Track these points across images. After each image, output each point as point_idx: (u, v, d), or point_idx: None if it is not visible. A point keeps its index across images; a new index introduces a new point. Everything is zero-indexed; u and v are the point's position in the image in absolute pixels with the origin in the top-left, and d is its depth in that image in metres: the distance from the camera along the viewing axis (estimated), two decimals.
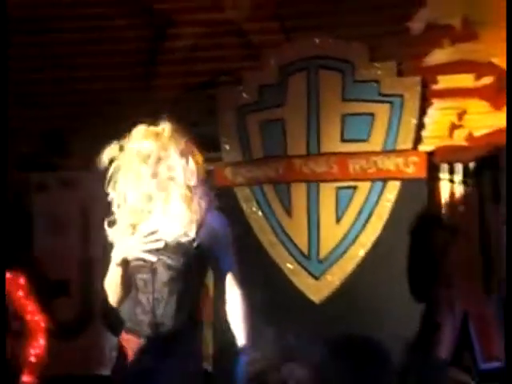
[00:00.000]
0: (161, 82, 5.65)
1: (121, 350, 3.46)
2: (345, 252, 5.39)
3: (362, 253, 5.34)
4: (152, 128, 3.39)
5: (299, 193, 5.52)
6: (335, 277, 5.45)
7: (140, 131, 3.36)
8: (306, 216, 5.42)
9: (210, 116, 5.60)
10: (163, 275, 3.28)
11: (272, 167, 5.48)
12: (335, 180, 5.48)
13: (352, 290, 5.42)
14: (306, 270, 5.42)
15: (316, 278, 5.40)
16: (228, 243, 3.58)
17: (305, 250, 5.46)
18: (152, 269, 3.30)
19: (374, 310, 5.31)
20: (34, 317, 5.52)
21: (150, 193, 3.29)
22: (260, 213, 5.57)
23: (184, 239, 3.28)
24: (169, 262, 3.28)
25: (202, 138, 5.83)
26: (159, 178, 3.28)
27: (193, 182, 3.34)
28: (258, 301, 5.57)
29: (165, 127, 3.39)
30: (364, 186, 5.41)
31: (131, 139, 3.34)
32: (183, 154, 3.36)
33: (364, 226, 5.34)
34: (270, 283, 5.48)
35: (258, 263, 5.52)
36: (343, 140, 5.38)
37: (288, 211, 5.45)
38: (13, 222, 5.62)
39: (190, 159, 3.38)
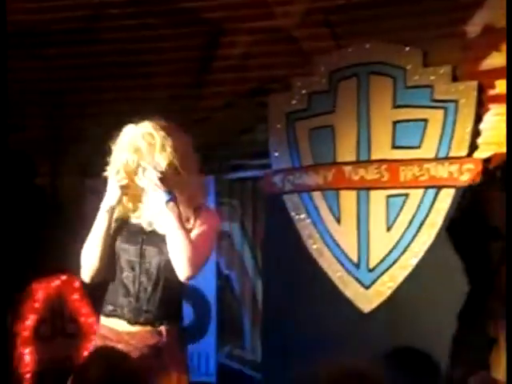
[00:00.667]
0: (213, 90, 4.37)
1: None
2: (396, 261, 4.24)
3: (413, 262, 4.17)
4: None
5: (349, 200, 4.45)
6: (385, 286, 4.38)
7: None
8: (355, 224, 4.31)
9: (260, 123, 4.30)
10: (152, 260, 2.66)
11: (321, 174, 4.34)
12: (386, 187, 4.35)
13: (402, 299, 4.30)
14: (355, 278, 4.25)
15: (366, 287, 4.14)
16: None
17: (354, 258, 4.39)
18: (141, 252, 2.68)
19: (424, 320, 4.18)
20: (88, 319, 4.63)
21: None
22: (308, 220, 4.51)
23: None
24: (159, 248, 2.66)
25: (252, 145, 4.63)
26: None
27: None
28: (306, 310, 4.30)
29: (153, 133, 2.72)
30: (416, 194, 4.30)
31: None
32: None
33: (416, 234, 4.20)
34: (318, 292, 4.44)
35: (307, 271, 4.47)
36: (394, 147, 4.21)
37: (337, 219, 4.23)
38: (67, 223, 4.66)
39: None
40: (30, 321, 4.39)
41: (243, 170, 4.70)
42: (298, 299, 4.38)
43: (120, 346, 2.55)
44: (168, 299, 2.65)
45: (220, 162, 4.67)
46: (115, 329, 2.66)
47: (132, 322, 2.62)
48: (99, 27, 4.79)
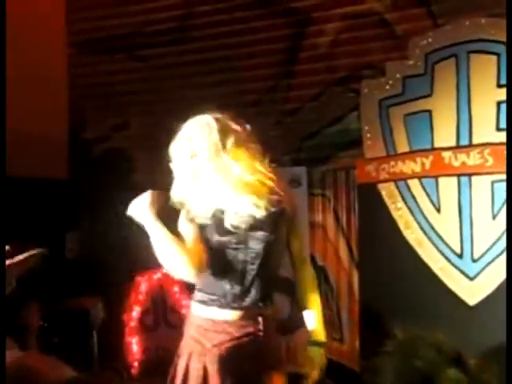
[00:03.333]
0: (302, 80, 3.35)
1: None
2: (502, 251, 2.93)
3: None
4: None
5: (449, 188, 3.41)
6: (491, 278, 3.33)
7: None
8: (457, 212, 3.24)
9: (352, 111, 3.23)
10: (255, 247, 2.08)
11: (418, 161, 3.30)
12: (490, 173, 3.25)
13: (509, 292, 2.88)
14: (458, 269, 3.21)
15: (470, 279, 3.05)
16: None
17: (457, 248, 3.37)
18: (244, 240, 2.08)
19: None
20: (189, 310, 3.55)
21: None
22: (406, 209, 3.49)
23: (271, 213, 2.06)
24: (259, 235, 2.07)
25: (344, 134, 3.61)
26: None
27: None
28: (406, 302, 3.23)
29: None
30: None
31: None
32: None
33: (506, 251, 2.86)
34: (418, 284, 3.40)
35: (405, 263, 3.45)
36: (499, 129, 3.07)
37: (437, 207, 3.12)
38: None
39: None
40: (136, 312, 3.84)
41: (336, 160, 3.68)
42: (397, 291, 3.33)
43: (216, 335, 2.06)
44: (269, 285, 2.14)
45: (312, 152, 3.67)
46: (212, 318, 2.10)
47: (236, 308, 2.10)
48: (191, 25, 3.90)
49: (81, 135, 4.38)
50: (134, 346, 3.81)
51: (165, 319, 3.92)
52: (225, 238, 2.11)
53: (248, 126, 2.04)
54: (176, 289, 3.90)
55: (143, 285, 3.88)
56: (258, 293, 2.11)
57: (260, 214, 2.11)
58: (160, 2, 4.01)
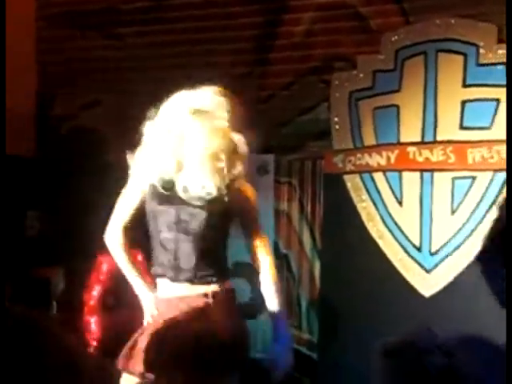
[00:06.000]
0: (274, 68, 3.44)
1: None
2: (459, 245, 3.14)
3: (478, 247, 2.96)
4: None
5: (412, 182, 3.59)
6: (448, 271, 3.34)
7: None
8: (418, 206, 3.36)
9: (323, 102, 3.36)
10: (192, 218, 2.21)
11: (384, 155, 3.36)
12: (452, 170, 3.43)
13: (465, 285, 3.41)
14: (416, 262, 3.24)
15: (427, 271, 3.18)
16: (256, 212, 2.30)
17: (416, 241, 3.45)
18: (177, 213, 2.21)
19: (486, 308, 3.27)
20: None
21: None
22: (369, 201, 3.66)
23: (212, 195, 2.18)
24: (197, 208, 2.20)
25: (313, 124, 3.73)
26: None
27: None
28: (365, 292, 3.39)
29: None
30: (484, 177, 3.42)
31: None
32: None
33: (482, 219, 3.09)
34: (377, 275, 3.58)
35: (366, 253, 3.61)
36: (462, 127, 3.20)
37: (399, 201, 3.27)
38: None
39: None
40: (96, 292, 3.91)
41: (303, 150, 3.80)
42: (357, 281, 3.48)
43: (171, 311, 2.21)
44: (209, 259, 2.25)
45: (280, 140, 3.78)
46: (164, 290, 2.28)
47: (173, 280, 2.24)
48: (167, 5, 3.95)
49: (49, 112, 4.40)
50: (93, 325, 3.91)
51: (125, 300, 4.03)
52: (160, 207, 2.24)
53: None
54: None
55: (104, 264, 3.97)
56: (194, 268, 2.22)
57: (210, 194, 2.20)
58: None
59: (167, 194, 2.23)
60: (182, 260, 2.23)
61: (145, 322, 2.32)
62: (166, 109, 2.25)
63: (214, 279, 2.23)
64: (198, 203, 2.21)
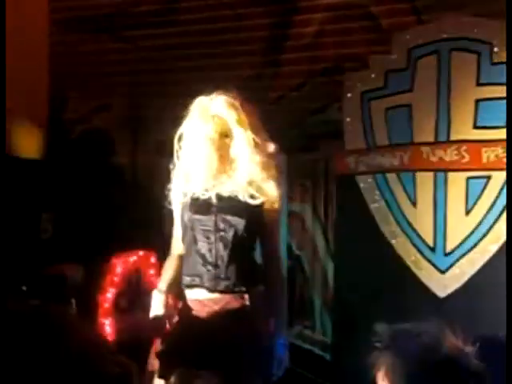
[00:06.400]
0: (286, 69, 3.44)
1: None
2: (474, 246, 3.30)
3: (493, 248, 3.05)
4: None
5: (425, 182, 3.54)
6: (462, 271, 3.45)
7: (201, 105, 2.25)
8: (432, 207, 3.41)
9: (335, 102, 3.35)
10: (228, 228, 2.20)
11: (397, 155, 3.38)
12: (466, 169, 3.40)
13: (479, 286, 3.37)
14: (430, 262, 3.26)
15: (441, 272, 3.18)
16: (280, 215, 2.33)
17: (430, 242, 3.52)
18: (215, 220, 2.21)
19: (502, 309, 3.12)
20: None
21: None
22: (382, 202, 3.63)
23: (249, 202, 2.21)
24: (234, 216, 2.21)
25: (326, 125, 3.72)
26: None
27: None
28: (378, 293, 3.37)
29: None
30: (499, 176, 3.37)
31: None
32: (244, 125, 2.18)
33: (497, 219, 3.18)
34: (391, 275, 3.53)
35: (379, 254, 3.56)
36: (476, 127, 3.22)
37: (413, 201, 3.24)
38: (145, 201, 3.97)
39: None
40: (110, 294, 3.93)
41: (316, 150, 3.79)
42: (370, 282, 3.46)
43: (204, 314, 2.21)
44: (246, 266, 2.25)
45: (293, 141, 3.78)
46: (198, 299, 2.26)
47: (212, 290, 2.24)
48: (178, 8, 3.96)
49: (61, 115, 4.43)
50: (107, 327, 3.92)
51: (140, 302, 4.04)
52: (196, 216, 2.25)
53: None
54: (152, 272, 3.95)
55: (119, 267, 3.98)
56: (234, 277, 2.22)
57: (246, 200, 2.22)
58: None
59: (203, 203, 2.24)
60: (221, 270, 2.22)
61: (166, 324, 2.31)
62: (190, 120, 2.26)
63: (250, 287, 2.23)
64: (234, 211, 2.22)
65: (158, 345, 2.26)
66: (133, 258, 3.96)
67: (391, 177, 3.55)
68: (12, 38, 3.90)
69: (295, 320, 3.80)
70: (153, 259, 4.00)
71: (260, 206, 2.23)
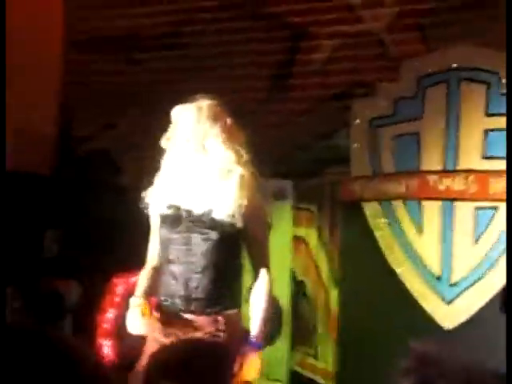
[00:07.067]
0: (296, 94, 3.46)
1: None
2: (481, 277, 3.14)
3: (501, 279, 2.90)
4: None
5: (432, 211, 3.50)
6: (469, 303, 3.39)
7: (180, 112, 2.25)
8: (438, 236, 3.26)
9: (342, 128, 3.35)
10: (199, 246, 2.15)
11: (404, 183, 3.36)
12: (473, 199, 3.36)
13: (487, 318, 3.29)
14: (436, 293, 3.19)
15: (447, 303, 3.07)
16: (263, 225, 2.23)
17: (436, 271, 3.42)
18: (186, 240, 2.16)
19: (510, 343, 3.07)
20: None
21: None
22: (388, 229, 3.58)
23: (227, 219, 2.13)
24: (205, 234, 2.14)
25: (333, 151, 3.72)
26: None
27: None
28: (383, 322, 3.32)
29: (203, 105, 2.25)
30: (506, 208, 2.98)
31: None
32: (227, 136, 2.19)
33: (505, 250, 2.96)
34: (395, 304, 3.48)
35: (384, 282, 3.53)
36: (484, 157, 3.13)
37: (419, 229, 3.17)
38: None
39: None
40: (111, 314, 3.88)
41: (322, 176, 3.78)
42: (375, 311, 3.42)
43: (180, 334, 2.15)
44: (219, 285, 2.19)
45: (299, 165, 3.77)
46: (172, 319, 2.24)
47: (183, 311, 2.20)
48: (186, 32, 4.00)
49: (69, 132, 4.46)
50: (106, 348, 3.88)
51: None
52: (171, 235, 2.21)
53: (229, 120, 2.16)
54: None
55: (120, 287, 3.94)
56: (207, 298, 2.17)
57: (219, 215, 2.16)
58: (158, 7, 4.11)
59: (176, 220, 2.20)
60: (193, 290, 2.17)
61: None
62: (169, 134, 2.26)
63: (225, 309, 2.18)
64: (208, 228, 2.17)
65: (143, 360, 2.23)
66: (134, 279, 3.96)
67: (397, 204, 3.53)
68: (25, 56, 3.94)
69: (298, 347, 3.76)
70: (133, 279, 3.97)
71: (241, 221, 2.16)
